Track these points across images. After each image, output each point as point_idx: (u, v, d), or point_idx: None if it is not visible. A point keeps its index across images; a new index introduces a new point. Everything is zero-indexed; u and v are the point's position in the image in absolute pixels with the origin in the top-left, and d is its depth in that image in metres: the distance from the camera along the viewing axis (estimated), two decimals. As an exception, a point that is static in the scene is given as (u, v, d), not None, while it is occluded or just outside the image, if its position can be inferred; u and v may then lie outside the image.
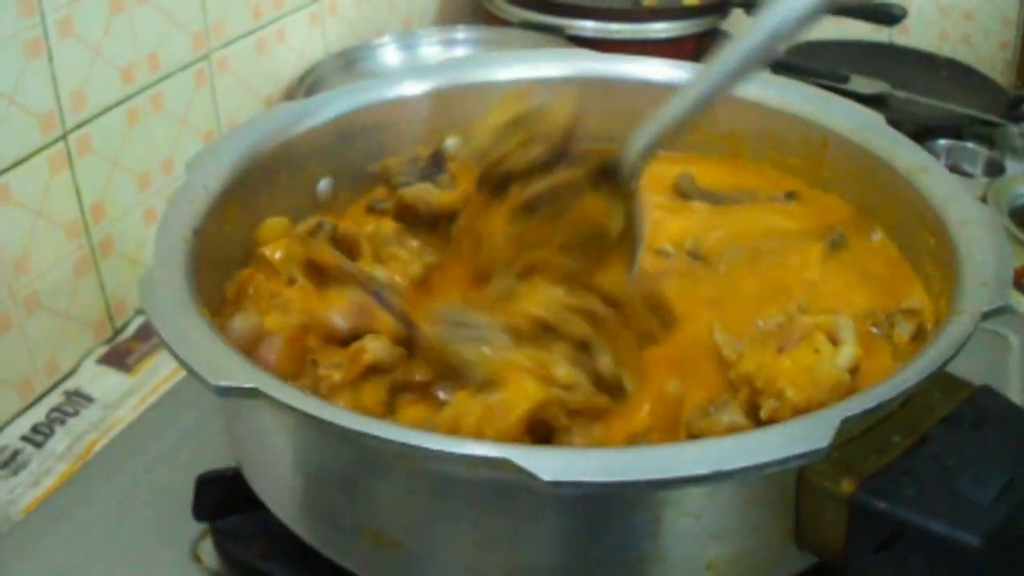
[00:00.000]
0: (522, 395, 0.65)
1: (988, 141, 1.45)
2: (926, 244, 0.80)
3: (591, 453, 0.60)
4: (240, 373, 0.61)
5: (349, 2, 1.42)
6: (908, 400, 0.63)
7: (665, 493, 0.59)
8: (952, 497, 0.57)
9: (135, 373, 1.03)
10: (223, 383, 0.60)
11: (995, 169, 1.39)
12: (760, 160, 0.97)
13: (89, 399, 1.00)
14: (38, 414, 0.98)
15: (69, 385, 1.02)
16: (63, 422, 0.97)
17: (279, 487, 0.71)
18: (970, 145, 1.42)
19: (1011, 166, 1.40)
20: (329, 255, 0.77)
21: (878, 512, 0.57)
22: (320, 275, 0.76)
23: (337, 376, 0.70)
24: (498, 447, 0.56)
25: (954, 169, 1.39)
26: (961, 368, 0.64)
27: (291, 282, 0.76)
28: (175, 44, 1.10)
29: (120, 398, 1.00)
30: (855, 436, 0.60)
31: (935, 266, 0.78)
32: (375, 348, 0.71)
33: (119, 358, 1.05)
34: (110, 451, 0.92)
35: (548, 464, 0.54)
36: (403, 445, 0.57)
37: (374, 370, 0.71)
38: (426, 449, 0.56)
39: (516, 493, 0.59)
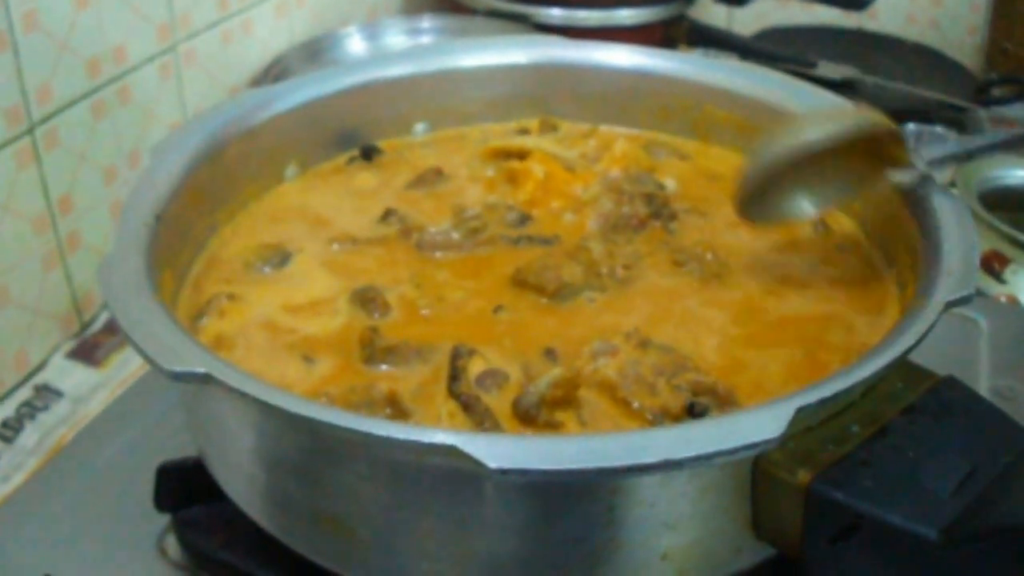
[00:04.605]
0: None
1: (957, 125, 1.44)
2: (894, 232, 0.80)
3: (538, 440, 0.59)
4: (194, 358, 0.60)
5: (315, -8, 1.42)
6: (870, 390, 0.62)
7: (615, 482, 0.58)
8: (911, 488, 0.56)
9: (104, 367, 1.03)
10: (176, 368, 0.59)
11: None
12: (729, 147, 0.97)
13: (58, 393, 1.00)
14: (7, 409, 0.98)
15: (38, 380, 1.01)
16: (33, 417, 0.97)
17: (237, 475, 0.71)
18: (939, 129, 1.42)
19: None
20: None
21: (834, 503, 0.56)
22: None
23: None
24: (445, 434, 0.56)
25: (923, 153, 1.40)
26: (930, 352, 0.64)
27: None
28: (141, 37, 1.10)
29: (89, 392, 1.00)
30: (813, 426, 0.60)
31: (905, 254, 0.78)
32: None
33: (88, 352, 1.05)
34: (76, 446, 0.91)
35: (495, 451, 0.54)
36: (350, 431, 0.56)
37: None
38: (372, 435, 0.56)
39: (467, 480, 0.59)
